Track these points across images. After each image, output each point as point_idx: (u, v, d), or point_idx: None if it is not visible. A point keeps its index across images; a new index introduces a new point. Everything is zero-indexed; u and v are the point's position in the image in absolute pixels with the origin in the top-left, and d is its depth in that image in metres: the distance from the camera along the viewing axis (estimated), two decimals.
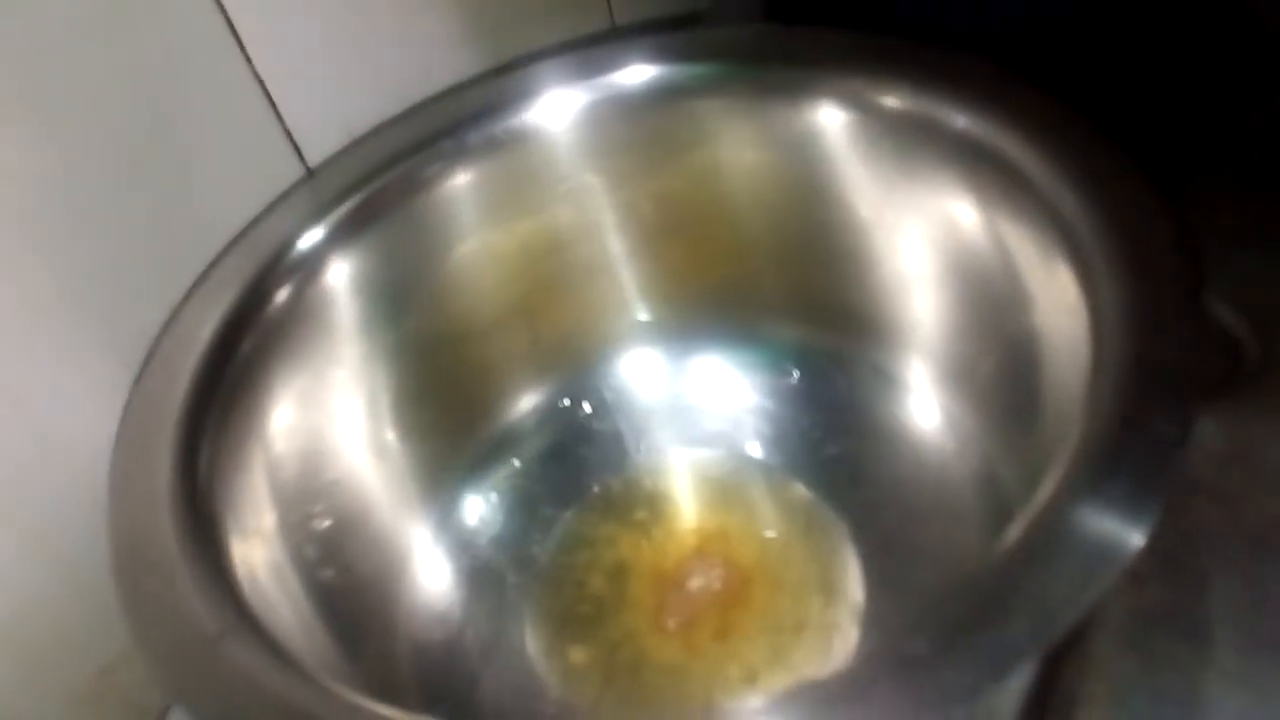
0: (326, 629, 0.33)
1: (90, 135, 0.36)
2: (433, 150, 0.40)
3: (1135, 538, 0.24)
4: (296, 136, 0.41)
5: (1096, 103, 0.35)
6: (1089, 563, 0.24)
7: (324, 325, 0.39)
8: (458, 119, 0.41)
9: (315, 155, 0.42)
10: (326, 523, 0.37)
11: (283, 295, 0.37)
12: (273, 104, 0.40)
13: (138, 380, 0.35)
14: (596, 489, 0.44)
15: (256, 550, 0.33)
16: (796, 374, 0.45)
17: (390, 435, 0.41)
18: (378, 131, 0.42)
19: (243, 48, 0.39)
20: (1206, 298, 0.30)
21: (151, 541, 0.30)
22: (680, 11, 0.48)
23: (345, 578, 0.37)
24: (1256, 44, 0.44)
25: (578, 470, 0.45)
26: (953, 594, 0.24)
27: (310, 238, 0.39)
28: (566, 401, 0.46)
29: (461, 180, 0.41)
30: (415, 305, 0.41)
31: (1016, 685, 0.32)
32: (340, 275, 0.39)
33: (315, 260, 0.38)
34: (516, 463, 0.45)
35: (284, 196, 0.40)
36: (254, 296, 0.36)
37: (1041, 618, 0.23)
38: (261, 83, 0.40)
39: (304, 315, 0.38)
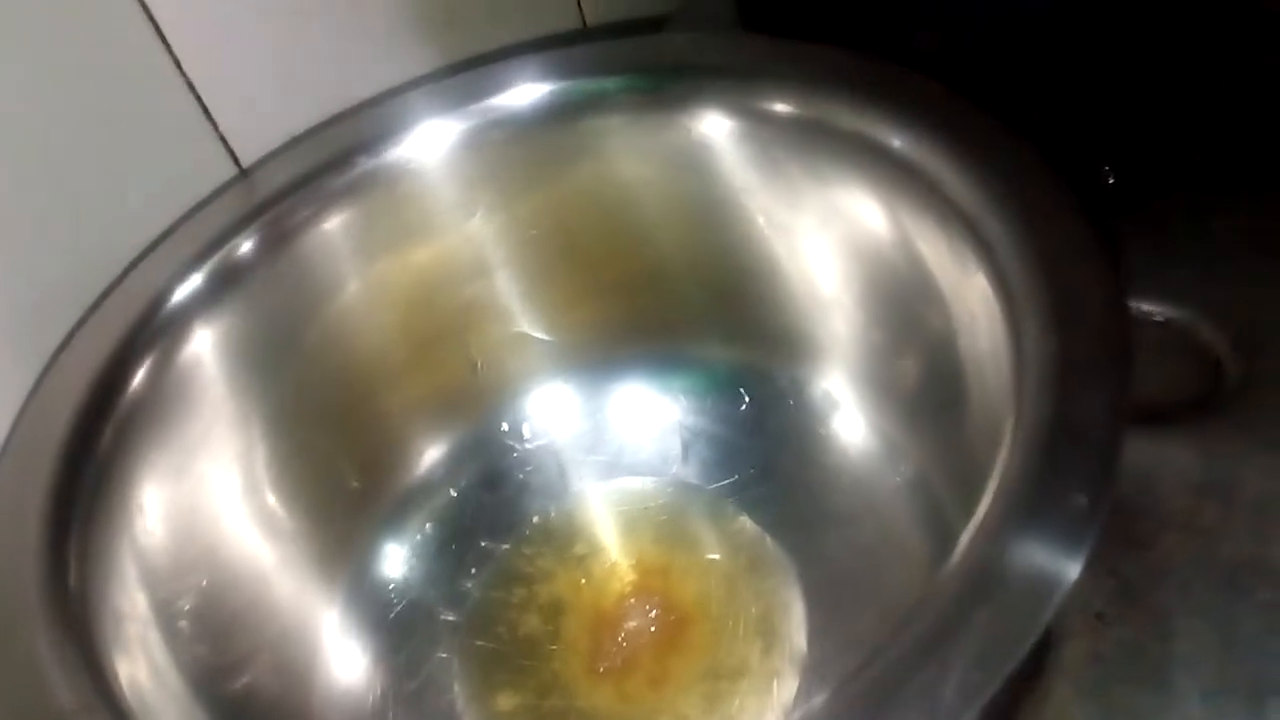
0: None
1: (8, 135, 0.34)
2: (304, 193, 0.38)
3: (1073, 565, 0.24)
4: (230, 140, 0.40)
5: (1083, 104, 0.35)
6: (1029, 595, 0.24)
7: (189, 389, 0.37)
8: (331, 159, 0.39)
9: (251, 157, 0.40)
10: (213, 611, 0.35)
11: (141, 374, 0.35)
12: (203, 105, 0.39)
13: (7, 438, 0.34)
14: (525, 534, 0.42)
15: (139, 666, 0.31)
16: (720, 396, 0.44)
17: (270, 496, 0.39)
18: (249, 176, 0.40)
19: (169, 47, 0.37)
20: (1126, 293, 0.29)
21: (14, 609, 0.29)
22: (652, 13, 0.48)
23: (244, 685, 0.35)
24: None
25: (493, 525, 0.43)
26: (894, 639, 0.24)
27: (178, 296, 0.36)
28: (473, 461, 0.44)
29: (332, 221, 0.39)
30: (294, 354, 0.39)
31: None
32: (206, 336, 0.37)
33: (180, 321, 0.36)
34: (426, 526, 0.43)
35: (146, 254, 0.38)
36: (113, 374, 0.34)
37: (985, 660, 0.23)
38: (192, 86, 0.38)
39: (167, 383, 0.36)
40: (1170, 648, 0.35)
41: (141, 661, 0.31)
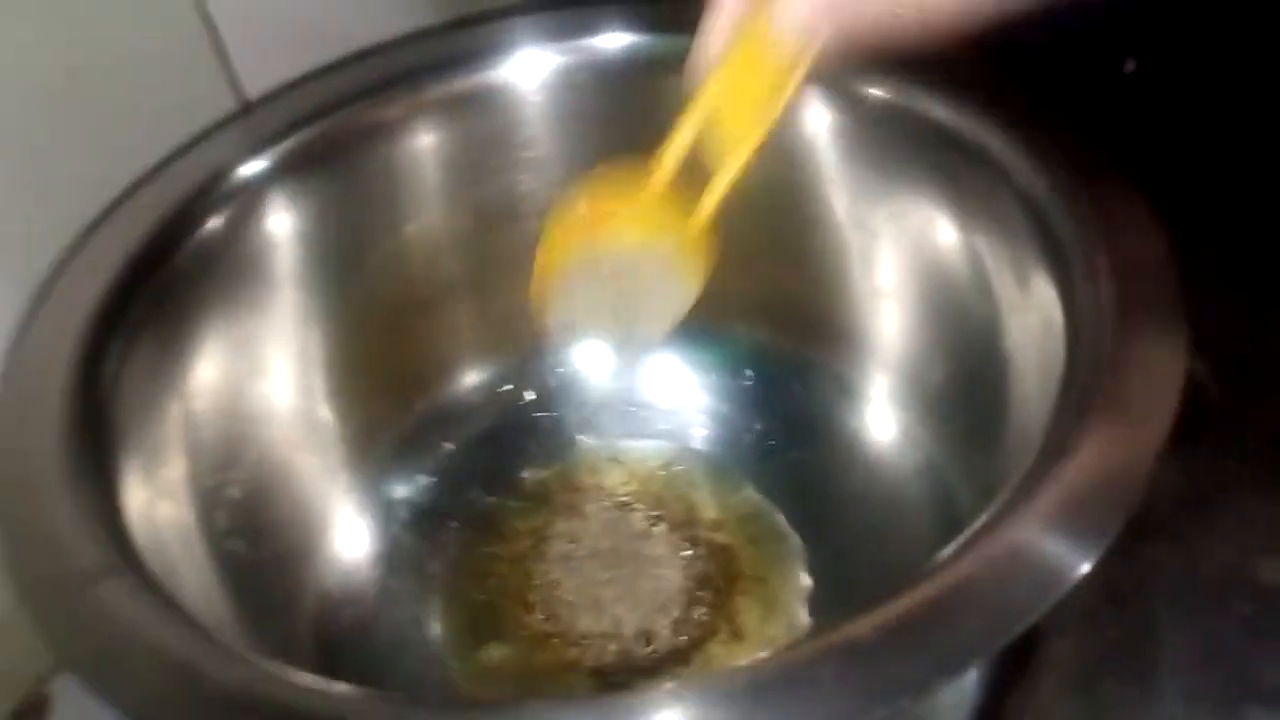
0: (226, 599, 0.31)
1: (20, 52, 0.33)
2: (388, 97, 0.38)
3: (1085, 562, 0.24)
4: (239, 73, 0.38)
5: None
6: (1041, 578, 0.24)
7: (258, 268, 0.36)
8: (417, 68, 0.39)
9: (255, 92, 0.39)
10: (243, 491, 0.34)
11: (215, 224, 0.34)
12: (213, 29, 0.37)
13: (42, 291, 0.32)
14: (528, 478, 0.42)
15: (159, 501, 0.30)
16: (752, 376, 0.44)
17: (320, 401, 0.39)
18: (325, 71, 0.39)
19: None
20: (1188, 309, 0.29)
21: (34, 463, 0.28)
22: None
23: (256, 550, 0.34)
24: None
25: (513, 457, 0.43)
26: (902, 591, 0.24)
27: (251, 168, 0.36)
28: (508, 387, 0.44)
29: (421, 135, 0.39)
30: (362, 264, 0.39)
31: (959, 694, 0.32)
32: (282, 217, 0.36)
33: (255, 194, 0.36)
34: (449, 445, 0.43)
35: (218, 126, 0.37)
36: (180, 221, 0.34)
37: (988, 626, 0.23)
38: (208, 16, 0.37)
39: (237, 251, 0.35)
40: (1155, 650, 0.36)
41: (166, 524, 0.30)
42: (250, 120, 0.37)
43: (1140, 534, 0.39)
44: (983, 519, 0.25)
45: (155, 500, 0.30)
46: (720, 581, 0.39)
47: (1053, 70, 0.42)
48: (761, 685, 0.22)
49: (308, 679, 0.24)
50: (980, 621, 0.23)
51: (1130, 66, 0.44)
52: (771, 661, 0.23)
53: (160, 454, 0.31)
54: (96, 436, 0.29)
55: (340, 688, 0.24)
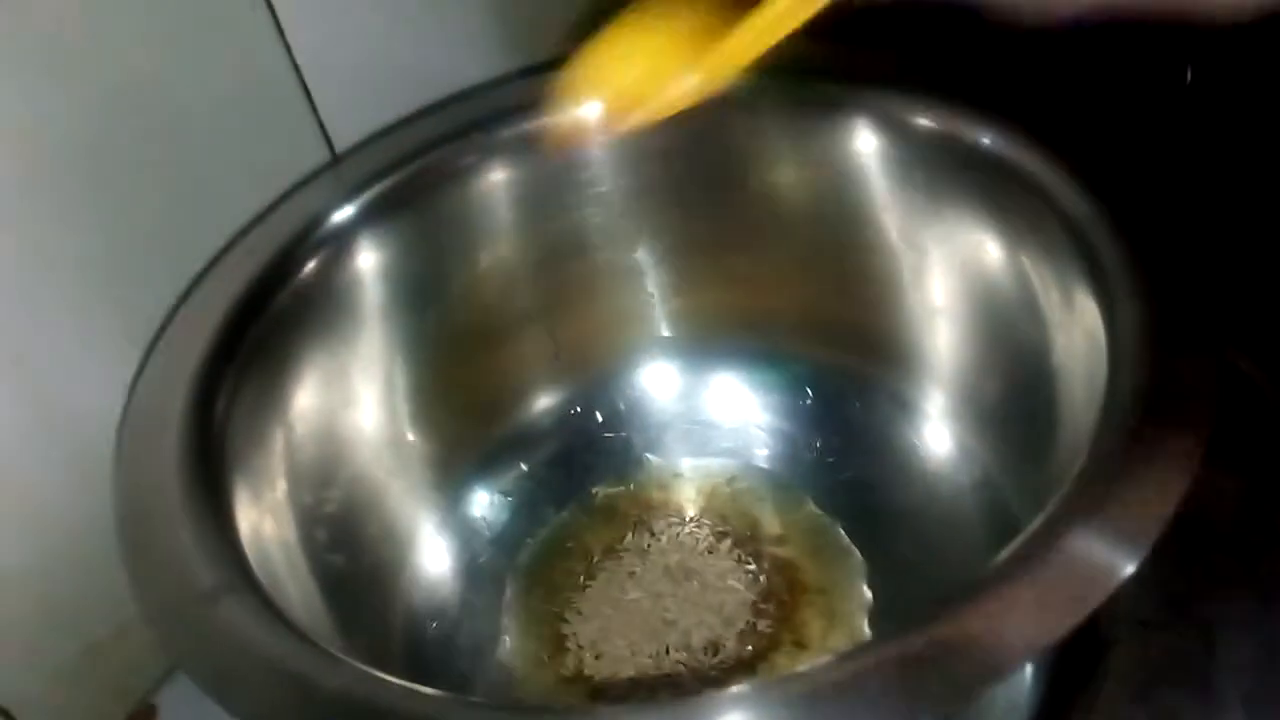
0: (326, 611, 0.33)
1: (118, 104, 0.36)
2: (465, 143, 0.40)
3: (1128, 564, 0.25)
4: (328, 126, 0.41)
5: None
6: (1081, 583, 0.25)
7: (348, 305, 0.39)
8: (489, 114, 0.41)
9: (343, 144, 0.42)
10: (338, 509, 0.37)
11: (310, 268, 0.37)
12: (307, 91, 0.40)
13: (158, 336, 0.35)
14: (599, 496, 0.44)
15: (266, 522, 0.33)
16: (811, 395, 0.45)
17: (405, 426, 0.41)
18: (407, 121, 0.42)
19: (281, 32, 0.38)
20: (1227, 332, 0.30)
21: (156, 494, 0.30)
22: None
23: (351, 564, 0.36)
24: None
25: (584, 476, 0.44)
26: (946, 600, 0.25)
27: (341, 215, 0.38)
28: (578, 409, 0.46)
29: (494, 175, 0.41)
30: (440, 298, 0.41)
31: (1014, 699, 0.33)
32: (369, 257, 0.39)
33: (345, 238, 0.38)
34: (524, 466, 0.45)
35: (311, 177, 0.40)
36: (282, 265, 0.36)
37: (1030, 631, 0.24)
38: (298, 69, 0.39)
39: (330, 291, 0.38)
40: (1214, 657, 0.36)
41: (273, 542, 0.33)
42: (339, 170, 0.40)
43: (1199, 541, 0.40)
44: (1029, 529, 0.26)
45: (263, 519, 0.32)
46: (784, 595, 0.40)
47: (1112, 81, 0.43)
48: (817, 692, 0.24)
49: (406, 685, 0.26)
50: (1025, 627, 0.24)
51: (1189, 76, 0.44)
52: (826, 669, 0.24)
53: (266, 477, 0.34)
54: (211, 464, 0.31)
55: (434, 693, 0.26)
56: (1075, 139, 0.35)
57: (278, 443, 0.35)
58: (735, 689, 0.24)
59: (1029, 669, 0.35)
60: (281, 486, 0.34)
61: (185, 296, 0.36)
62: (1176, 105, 0.44)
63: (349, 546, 0.37)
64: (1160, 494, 0.26)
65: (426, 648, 0.39)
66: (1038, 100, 0.37)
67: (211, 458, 0.31)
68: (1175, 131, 0.44)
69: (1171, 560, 0.39)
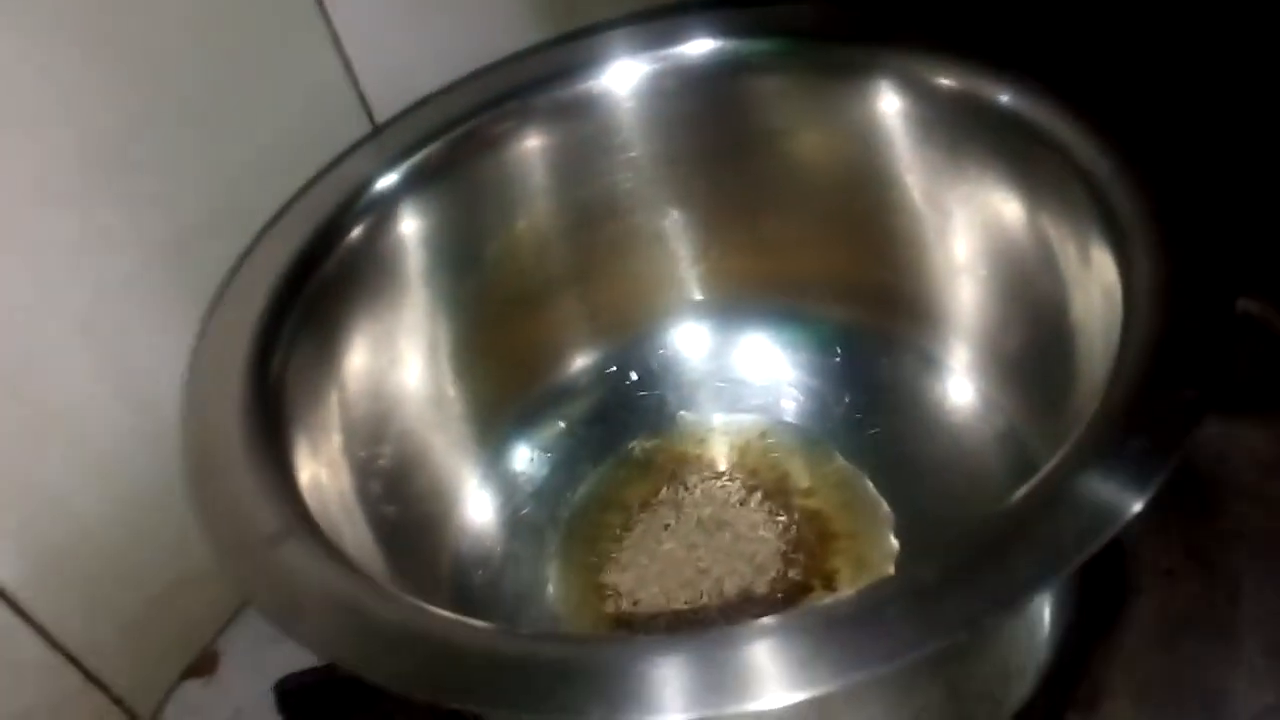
0: (380, 558, 0.35)
1: (167, 80, 0.37)
2: (500, 111, 0.42)
3: (1137, 501, 0.25)
4: (368, 96, 0.43)
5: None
6: (1091, 519, 0.25)
7: (393, 269, 0.40)
8: (524, 83, 0.42)
9: (383, 115, 0.43)
10: (389, 462, 0.38)
11: (356, 234, 0.39)
12: (347, 63, 0.42)
13: (215, 302, 0.36)
14: (635, 451, 0.46)
15: (323, 473, 0.34)
16: (840, 353, 0.46)
17: (448, 384, 0.43)
18: (445, 91, 0.43)
19: (324, 9, 0.40)
20: (1238, 281, 0.30)
21: (220, 446, 0.32)
22: None
23: (402, 514, 0.38)
24: None
25: (620, 433, 0.46)
26: (962, 537, 0.26)
27: (383, 183, 0.40)
28: (614, 368, 0.47)
29: (529, 142, 0.42)
30: (479, 261, 0.43)
31: (1028, 636, 0.34)
32: (411, 223, 0.40)
33: (388, 205, 0.40)
34: (562, 424, 0.46)
35: (354, 147, 0.41)
36: (329, 232, 0.38)
37: (1041, 563, 0.25)
38: (338, 41, 0.41)
39: (375, 256, 0.39)
40: (1236, 606, 0.37)
41: (330, 492, 0.35)
42: (380, 140, 0.42)
43: (1222, 494, 0.40)
44: (1042, 472, 0.27)
45: (320, 471, 0.34)
46: (814, 544, 0.41)
47: (1137, 38, 0.43)
48: (836, 622, 0.25)
49: (457, 618, 0.27)
50: (1032, 562, 0.25)
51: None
52: (845, 602, 0.26)
53: (323, 431, 0.35)
54: (270, 418, 0.33)
55: (481, 624, 0.27)
56: (1096, 96, 0.35)
57: (332, 399, 0.36)
58: (762, 620, 0.25)
59: (1048, 612, 0.36)
60: (337, 440, 0.36)
61: (239, 264, 0.38)
62: (1202, 63, 0.45)
63: (400, 498, 0.38)
64: (1167, 439, 0.27)
65: (473, 594, 0.40)
66: (1062, 58, 0.37)
67: (270, 413, 0.33)
68: (1199, 86, 0.44)
69: (1195, 511, 0.40)
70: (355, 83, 0.42)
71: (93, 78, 0.35)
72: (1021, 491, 0.27)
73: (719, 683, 0.24)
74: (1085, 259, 0.34)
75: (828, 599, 0.39)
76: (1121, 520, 0.25)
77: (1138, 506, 0.25)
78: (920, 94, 0.39)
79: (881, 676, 0.24)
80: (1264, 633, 0.37)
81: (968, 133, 0.38)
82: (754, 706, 0.24)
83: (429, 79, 0.43)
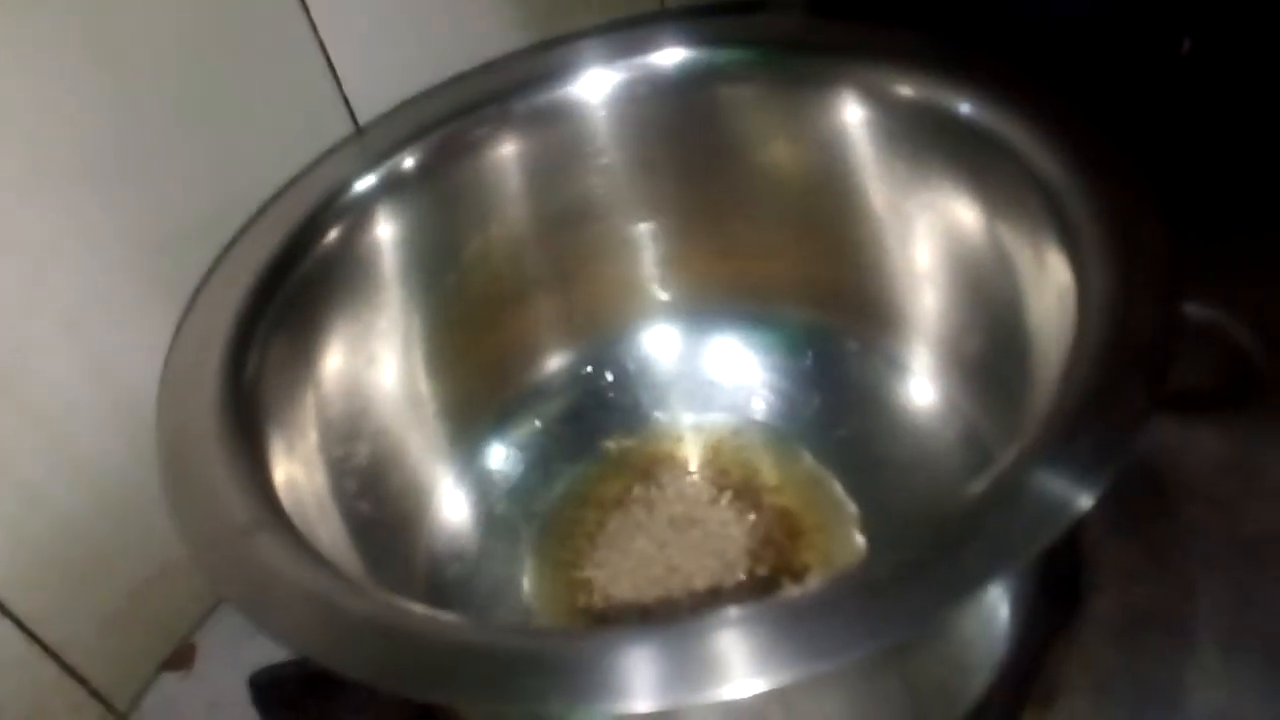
0: (354, 554, 0.35)
1: (152, 82, 0.38)
2: (479, 115, 0.42)
3: (1086, 497, 0.26)
4: (352, 100, 0.43)
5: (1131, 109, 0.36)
6: (1042, 513, 0.26)
7: (370, 270, 0.41)
8: (502, 88, 0.43)
9: (367, 117, 0.44)
10: (364, 460, 0.39)
11: (334, 234, 0.39)
12: (331, 67, 0.42)
13: (194, 298, 0.37)
14: (608, 450, 0.46)
15: (299, 471, 0.35)
16: (809, 355, 0.47)
17: (423, 384, 0.43)
18: (425, 95, 0.44)
19: (307, 10, 0.41)
20: (1183, 283, 0.31)
21: (195, 442, 0.32)
22: None
23: (377, 512, 0.39)
24: None
25: (594, 432, 0.47)
26: (916, 534, 0.27)
27: (362, 185, 0.41)
28: (589, 369, 0.48)
29: (506, 147, 0.43)
30: (456, 263, 0.43)
31: (985, 632, 0.34)
32: (388, 225, 0.41)
33: (366, 207, 0.40)
34: (538, 423, 0.47)
35: (334, 149, 0.42)
36: (307, 233, 0.38)
37: (993, 556, 0.26)
38: (323, 45, 0.42)
39: (352, 257, 0.40)
40: (1193, 605, 0.38)
41: (306, 489, 0.35)
42: (361, 142, 0.42)
43: (1181, 496, 0.41)
44: (995, 469, 0.28)
45: (296, 468, 0.34)
46: (782, 542, 0.42)
47: (1108, 50, 0.44)
48: (797, 614, 0.26)
49: (427, 611, 0.28)
50: (985, 556, 0.26)
51: (1187, 47, 0.45)
52: (807, 595, 0.27)
53: (298, 429, 0.36)
54: (245, 415, 0.33)
55: (450, 617, 0.28)
56: (1052, 105, 0.36)
57: (308, 398, 0.37)
58: (726, 611, 0.26)
59: (1006, 609, 0.37)
60: (312, 438, 0.37)
61: (219, 262, 0.38)
62: (1173, 75, 0.45)
63: (375, 496, 0.39)
64: (1117, 437, 0.27)
65: (447, 590, 0.41)
66: (1033, 71, 0.38)
67: (245, 410, 0.34)
68: (1172, 102, 0.45)
69: (1152, 511, 0.41)
70: (339, 86, 0.43)
71: (78, 80, 0.36)
72: (976, 488, 0.27)
73: (686, 672, 0.25)
74: (1040, 263, 0.35)
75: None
76: (1072, 515, 0.26)
77: (1088, 501, 0.26)
78: (883, 104, 0.40)
79: (840, 667, 0.25)
80: (1219, 630, 0.37)
81: (929, 142, 0.39)
82: (720, 695, 0.24)
83: (412, 82, 0.44)
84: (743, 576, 0.41)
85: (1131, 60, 0.45)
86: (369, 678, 0.26)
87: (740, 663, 0.25)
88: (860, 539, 0.42)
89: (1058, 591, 0.39)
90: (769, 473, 0.44)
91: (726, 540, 0.43)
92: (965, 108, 0.37)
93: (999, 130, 0.36)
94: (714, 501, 0.44)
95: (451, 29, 0.46)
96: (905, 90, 0.39)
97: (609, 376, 0.48)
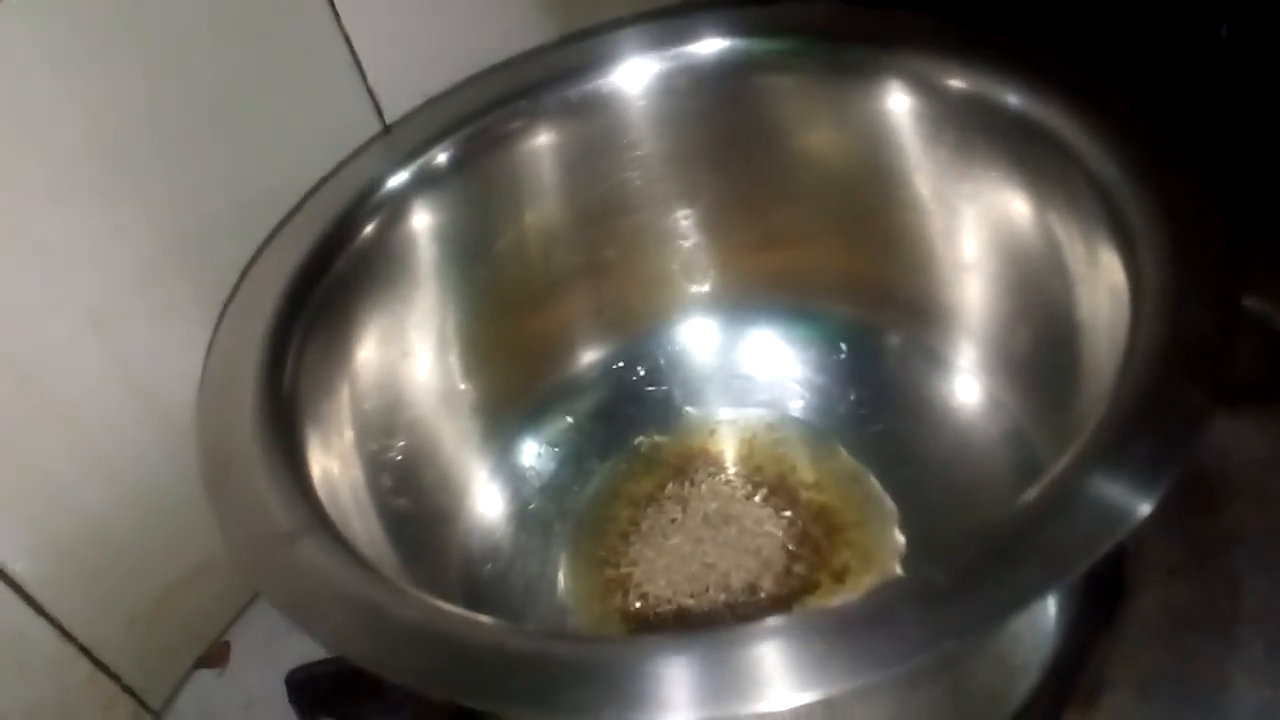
0: (391, 550, 0.35)
1: (179, 79, 0.37)
2: (510, 109, 0.42)
3: (1145, 504, 0.25)
4: (378, 95, 0.43)
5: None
6: (1100, 521, 0.26)
7: (404, 266, 0.41)
8: (534, 81, 0.43)
9: (394, 115, 0.43)
10: (400, 455, 0.39)
11: (368, 232, 0.39)
12: (357, 62, 0.42)
13: (230, 299, 0.37)
14: (641, 446, 0.46)
15: (335, 466, 0.35)
16: (846, 349, 0.47)
17: (458, 378, 0.43)
18: (455, 90, 0.43)
19: (335, 10, 0.40)
20: (1243, 283, 0.30)
21: (236, 444, 0.32)
22: None
23: (413, 507, 0.38)
24: None
25: (627, 428, 0.46)
26: (972, 540, 0.26)
27: (394, 181, 0.40)
28: (620, 364, 0.48)
29: (539, 140, 0.43)
30: (489, 257, 0.43)
31: (1030, 632, 0.34)
32: (422, 220, 0.41)
33: (399, 203, 0.40)
34: (569, 419, 0.47)
35: (365, 146, 0.42)
36: (341, 230, 0.38)
37: (1050, 565, 0.25)
38: (348, 40, 0.41)
39: (386, 253, 0.40)
40: (1237, 604, 0.37)
41: (342, 485, 0.35)
42: (390, 139, 0.42)
43: (1223, 492, 0.41)
44: (1050, 474, 0.27)
45: (333, 464, 0.34)
46: (819, 540, 0.42)
47: (1146, 36, 0.44)
48: (847, 624, 0.25)
49: (467, 615, 0.28)
50: (1041, 565, 0.25)
51: (1225, 33, 0.44)
52: (855, 603, 0.26)
53: (335, 425, 0.36)
54: (285, 418, 0.33)
55: (492, 622, 0.28)
56: (1104, 97, 0.36)
57: (344, 394, 0.37)
58: (770, 621, 0.26)
59: (1052, 609, 0.36)
60: (349, 434, 0.36)
61: (253, 262, 0.38)
62: (1212, 62, 0.44)
63: (411, 491, 0.39)
64: (1175, 442, 0.27)
65: (482, 586, 0.41)
66: (1071, 57, 0.37)
67: (284, 409, 0.33)
68: (1210, 88, 0.44)
69: (1196, 508, 0.41)
70: (364, 79, 0.42)
71: (107, 77, 0.35)
72: (1030, 494, 0.27)
73: (729, 683, 0.24)
74: (1093, 259, 0.34)
75: (836, 598, 0.39)
76: (1130, 523, 0.25)
77: (1145, 509, 0.25)
78: (930, 94, 0.39)
79: (890, 678, 0.24)
80: (1263, 629, 0.37)
81: (976, 132, 0.39)
82: (763, 707, 0.24)
83: (439, 78, 0.43)
84: (780, 574, 0.41)
85: (1169, 46, 0.44)
86: (417, 683, 0.26)
87: (788, 674, 0.24)
88: (900, 537, 0.41)
89: (1101, 589, 0.38)
90: (805, 469, 0.44)
91: (763, 537, 0.42)
92: (1013, 99, 0.37)
93: (1049, 123, 0.36)
94: (749, 498, 0.43)
95: (479, 23, 0.45)
96: (953, 80, 0.39)
97: (642, 371, 0.48)
